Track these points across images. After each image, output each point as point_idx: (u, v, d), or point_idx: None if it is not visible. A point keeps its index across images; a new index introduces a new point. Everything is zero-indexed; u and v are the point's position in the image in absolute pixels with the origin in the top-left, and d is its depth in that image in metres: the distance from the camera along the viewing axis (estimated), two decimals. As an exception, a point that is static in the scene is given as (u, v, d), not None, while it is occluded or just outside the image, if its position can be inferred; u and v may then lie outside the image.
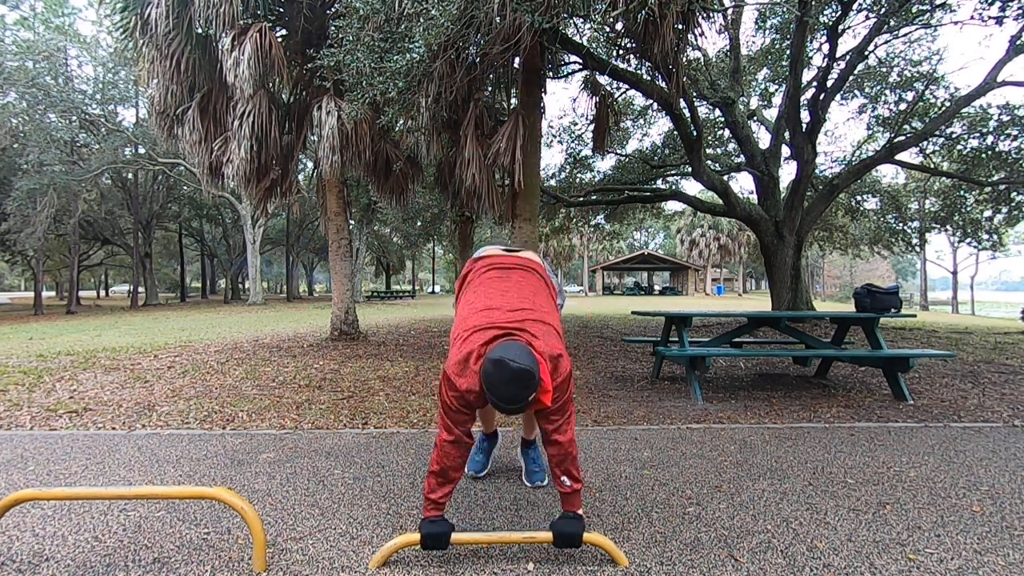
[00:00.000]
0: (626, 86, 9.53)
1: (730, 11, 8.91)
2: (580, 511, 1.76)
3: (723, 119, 10.68)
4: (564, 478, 1.75)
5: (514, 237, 6.29)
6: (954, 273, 34.16)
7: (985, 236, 12.46)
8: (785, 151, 10.35)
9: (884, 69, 10.14)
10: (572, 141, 11.62)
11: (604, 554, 1.73)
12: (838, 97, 10.09)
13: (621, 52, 6.47)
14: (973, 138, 9.41)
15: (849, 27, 8.86)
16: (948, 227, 12.93)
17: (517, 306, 1.86)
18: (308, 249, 35.30)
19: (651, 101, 10.48)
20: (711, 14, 5.02)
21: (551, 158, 40.19)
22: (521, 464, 2.40)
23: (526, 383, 1.55)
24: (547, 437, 1.77)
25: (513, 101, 7.82)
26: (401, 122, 6.10)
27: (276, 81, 7.09)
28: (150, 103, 7.29)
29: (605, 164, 13.87)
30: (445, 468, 1.74)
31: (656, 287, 48.15)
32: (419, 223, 16.41)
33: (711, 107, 10.90)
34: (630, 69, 7.13)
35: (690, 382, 4.24)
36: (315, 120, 6.50)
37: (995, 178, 9.76)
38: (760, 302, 25.90)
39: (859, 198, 13.65)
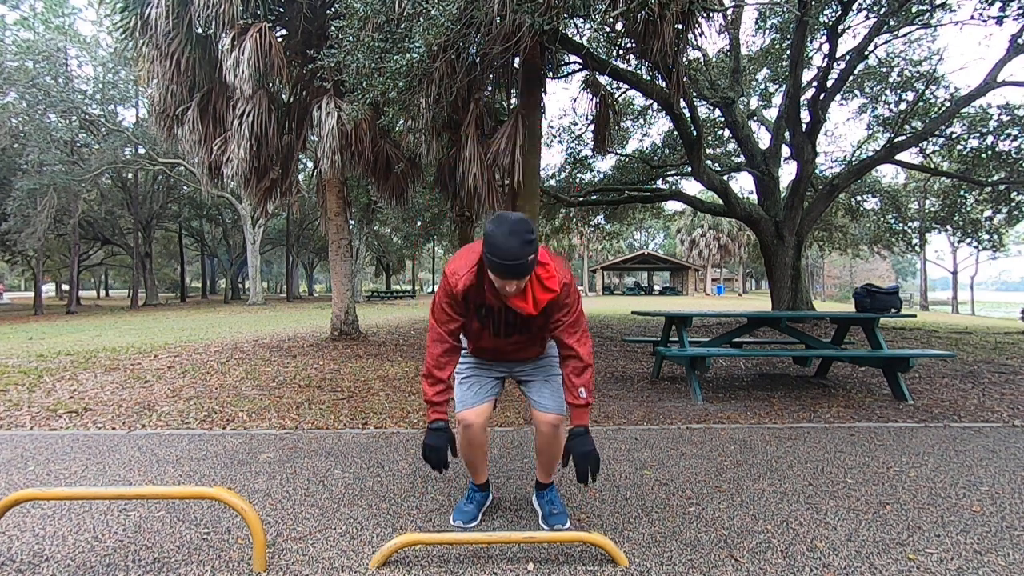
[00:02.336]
0: (626, 86, 9.53)
1: (730, 11, 8.91)
2: (587, 424, 1.83)
3: (723, 119, 10.68)
4: (582, 389, 1.79)
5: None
6: (954, 273, 34.16)
7: (985, 236, 12.46)
8: (785, 151, 10.36)
9: (884, 69, 10.14)
10: (572, 141, 11.63)
11: (604, 554, 1.73)
12: (838, 97, 10.10)
13: (621, 52, 6.48)
14: (973, 138, 9.41)
15: (849, 27, 8.87)
16: (948, 227, 12.94)
17: None
18: (308, 249, 35.29)
19: (651, 101, 10.48)
20: (711, 14, 5.02)
21: (551, 158, 40.19)
22: (537, 509, 2.05)
23: (525, 233, 1.55)
24: (567, 350, 1.81)
25: (513, 101, 7.82)
26: (401, 122, 6.11)
27: (276, 81, 7.09)
28: (150, 103, 7.29)
29: (605, 164, 13.88)
30: (430, 368, 1.83)
31: (656, 287, 48.14)
32: (419, 223, 16.41)
33: (711, 107, 10.90)
34: (630, 69, 7.13)
35: (690, 382, 4.24)
36: (315, 120, 6.50)
37: (995, 178, 9.76)
38: (760, 302, 25.90)
39: (859, 198, 13.66)
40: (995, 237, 12.44)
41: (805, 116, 9.33)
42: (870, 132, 11.51)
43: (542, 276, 1.71)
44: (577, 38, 6.62)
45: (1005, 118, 8.85)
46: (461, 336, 1.91)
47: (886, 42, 9.63)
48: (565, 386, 1.85)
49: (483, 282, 1.75)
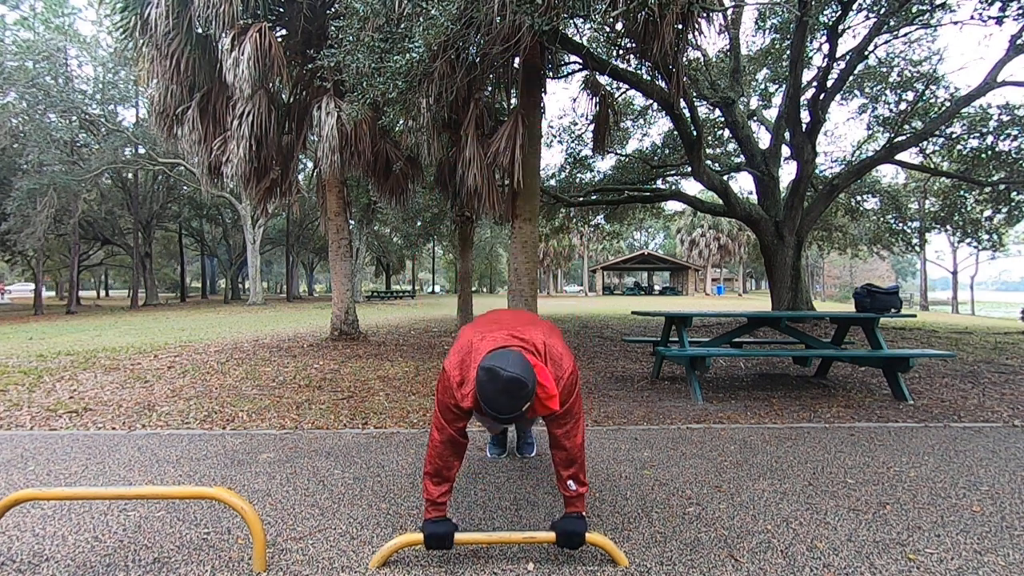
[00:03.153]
0: (626, 86, 9.53)
1: (730, 11, 8.92)
2: (584, 512, 1.77)
3: (723, 119, 10.68)
4: (571, 482, 1.73)
5: (514, 237, 6.29)
6: (954, 273, 34.16)
7: (985, 236, 12.46)
8: (785, 151, 10.36)
9: (884, 69, 10.14)
10: (572, 141, 11.63)
11: (604, 554, 1.73)
12: (838, 97, 10.09)
13: (621, 52, 6.47)
14: (973, 138, 9.40)
15: (849, 27, 8.86)
16: (948, 227, 12.93)
17: (522, 323, 1.90)
18: (308, 249, 35.27)
19: (651, 101, 10.48)
20: (711, 14, 5.02)
21: (551, 158, 40.19)
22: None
23: (517, 391, 1.52)
24: (555, 442, 1.76)
25: (513, 101, 7.82)
26: (401, 122, 6.10)
27: (276, 81, 7.09)
28: (150, 103, 7.29)
29: (605, 164, 13.88)
30: (439, 468, 1.73)
31: (656, 287, 48.13)
32: (419, 223, 16.41)
33: (711, 107, 10.90)
34: (630, 69, 7.12)
35: (690, 382, 4.24)
36: (315, 120, 6.50)
37: (995, 178, 9.76)
38: (760, 302, 25.90)
39: (859, 198, 13.65)
40: (995, 237, 12.44)
41: (805, 116, 9.33)
42: (870, 132, 11.50)
43: (541, 397, 1.64)
44: (577, 38, 6.62)
45: (1005, 118, 8.84)
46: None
47: (886, 42, 9.62)
48: (556, 474, 1.80)
49: None
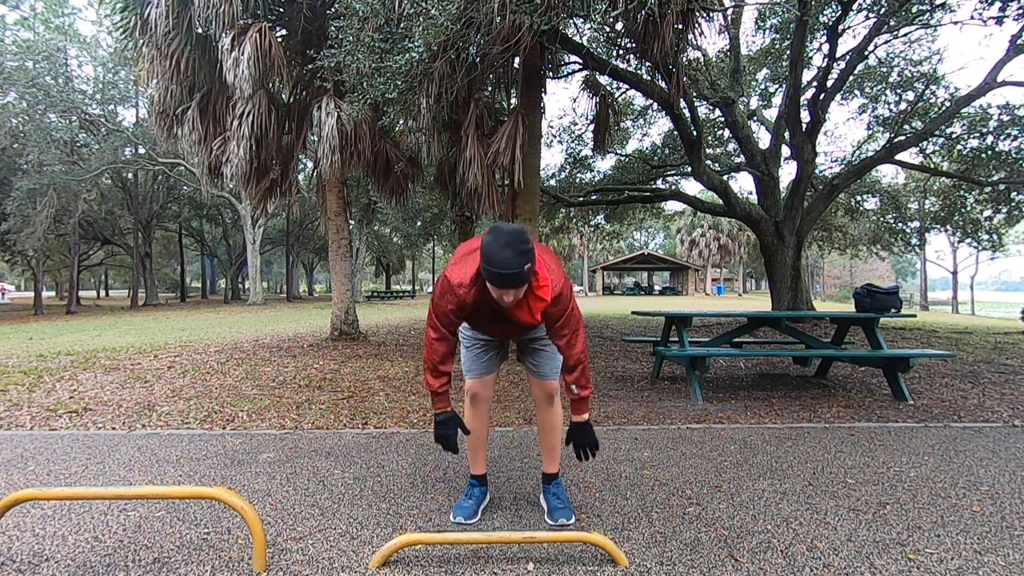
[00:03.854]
0: (626, 86, 9.53)
1: (730, 11, 8.91)
2: (587, 416, 1.94)
3: (723, 119, 10.68)
4: (573, 386, 1.90)
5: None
6: (954, 273, 34.16)
7: (985, 236, 12.46)
8: (785, 151, 10.36)
9: (884, 69, 10.14)
10: (572, 141, 11.63)
11: (604, 554, 1.73)
12: (838, 97, 10.09)
13: (621, 52, 6.47)
14: (973, 138, 9.41)
15: (849, 27, 8.86)
16: (948, 227, 12.93)
17: None
18: (308, 249, 35.29)
19: (651, 101, 10.48)
20: (711, 14, 5.02)
21: (551, 158, 40.20)
22: (543, 505, 2.09)
23: (520, 243, 1.61)
24: (559, 352, 1.92)
25: (513, 101, 7.81)
26: (401, 122, 6.10)
27: (276, 81, 7.09)
28: (150, 103, 7.29)
29: (605, 164, 13.88)
30: (435, 364, 1.91)
31: (656, 287, 48.13)
32: (419, 223, 16.42)
33: (711, 107, 10.90)
34: (630, 69, 7.12)
35: (690, 382, 4.24)
36: (315, 120, 6.50)
37: (995, 178, 9.76)
38: (760, 302, 25.90)
39: (859, 198, 13.65)
40: (995, 237, 12.44)
41: (805, 116, 9.33)
42: (870, 132, 11.50)
43: (533, 286, 1.75)
44: (577, 38, 6.62)
45: (1005, 118, 8.84)
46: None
47: (886, 42, 9.63)
48: (562, 379, 1.96)
49: (485, 290, 1.78)
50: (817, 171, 11.02)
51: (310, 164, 16.19)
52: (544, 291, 1.76)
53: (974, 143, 9.45)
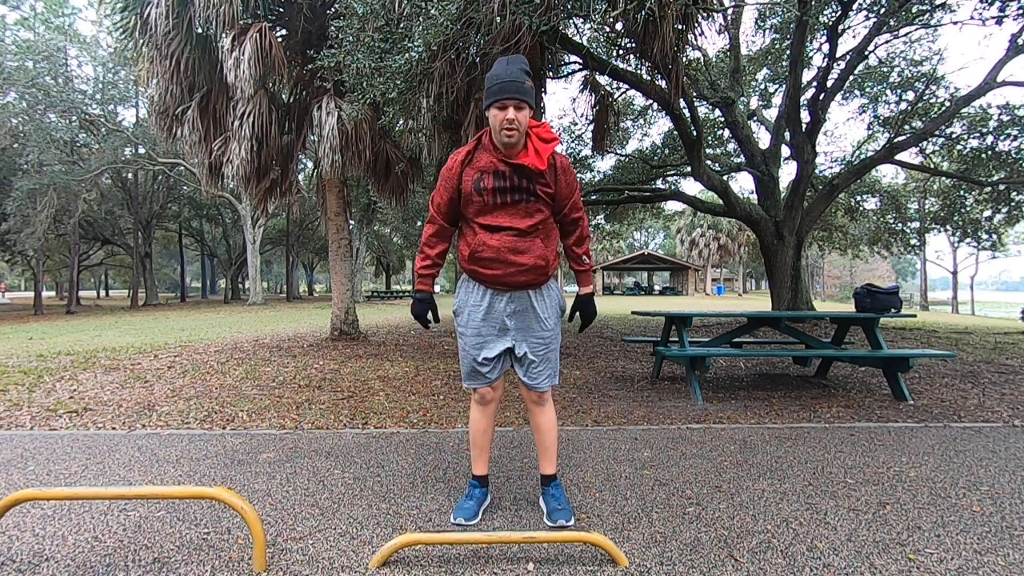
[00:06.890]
0: (626, 86, 9.51)
1: (730, 11, 8.91)
2: (591, 288, 2.15)
3: (723, 119, 10.68)
4: (584, 257, 2.10)
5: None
6: (954, 273, 34.18)
7: (985, 236, 12.47)
8: (785, 151, 10.35)
9: (884, 69, 10.15)
10: (572, 141, 11.62)
11: (604, 554, 1.73)
12: (838, 97, 10.10)
13: (621, 52, 6.47)
14: (973, 138, 9.42)
15: (849, 27, 8.87)
16: (948, 227, 12.94)
17: None
18: (308, 249, 35.29)
19: (651, 101, 10.48)
20: (711, 14, 5.02)
21: (551, 158, 40.07)
22: (542, 507, 2.07)
23: (522, 63, 1.75)
24: (571, 227, 2.07)
25: (513, 101, 7.79)
26: (401, 122, 6.10)
27: (276, 81, 7.09)
28: (150, 103, 7.29)
29: (605, 164, 13.89)
30: (423, 246, 2.09)
31: (656, 287, 48.13)
32: (419, 223, 16.42)
33: (711, 107, 10.90)
34: (630, 69, 7.11)
35: (690, 382, 4.24)
36: (315, 120, 6.50)
37: (995, 178, 9.77)
38: (760, 302, 25.90)
39: (859, 198, 13.66)
40: (995, 237, 12.46)
41: (805, 116, 9.33)
42: (870, 132, 11.51)
43: (539, 132, 1.87)
44: (577, 38, 6.62)
45: (1005, 118, 8.85)
46: (456, 235, 2.13)
47: (886, 42, 9.63)
48: (568, 255, 2.13)
49: (485, 154, 1.92)
50: (817, 171, 11.02)
51: (310, 164, 16.18)
52: (548, 132, 1.87)
53: (974, 143, 9.46)
